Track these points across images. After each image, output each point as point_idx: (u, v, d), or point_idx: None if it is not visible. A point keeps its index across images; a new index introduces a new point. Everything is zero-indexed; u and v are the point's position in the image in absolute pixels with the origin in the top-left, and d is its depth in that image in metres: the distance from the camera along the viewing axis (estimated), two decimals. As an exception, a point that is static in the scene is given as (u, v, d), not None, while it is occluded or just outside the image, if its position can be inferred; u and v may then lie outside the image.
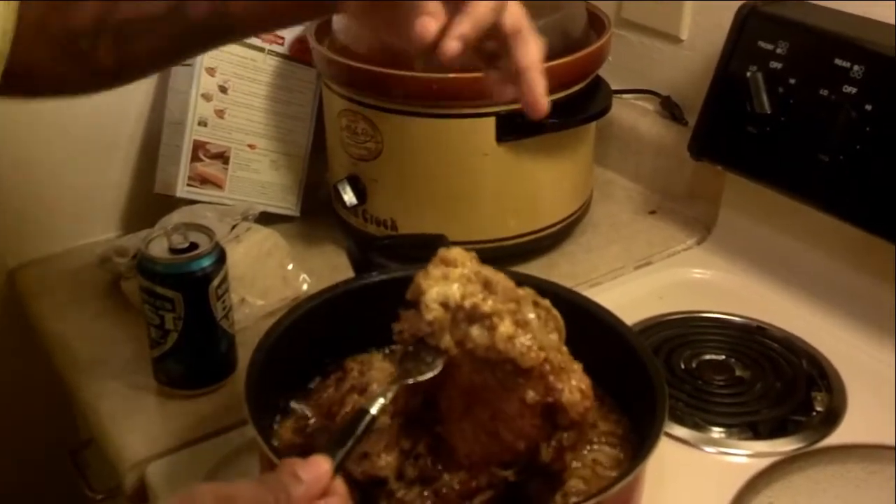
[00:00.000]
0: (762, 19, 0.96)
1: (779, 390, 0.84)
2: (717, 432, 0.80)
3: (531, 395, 0.59)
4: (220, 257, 0.80)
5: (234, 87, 1.05)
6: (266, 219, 1.03)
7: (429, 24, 0.57)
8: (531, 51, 0.61)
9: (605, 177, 1.18)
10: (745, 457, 0.77)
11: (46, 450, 1.12)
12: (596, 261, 1.03)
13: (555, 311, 0.62)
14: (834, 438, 0.79)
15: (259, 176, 1.08)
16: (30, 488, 1.17)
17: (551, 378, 0.59)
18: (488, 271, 0.61)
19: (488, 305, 0.58)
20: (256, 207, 1.03)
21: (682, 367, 0.86)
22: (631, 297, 0.94)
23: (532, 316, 0.59)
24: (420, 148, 0.96)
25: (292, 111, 1.09)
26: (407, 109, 0.94)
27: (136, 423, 0.81)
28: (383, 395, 0.57)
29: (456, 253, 0.60)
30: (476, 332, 0.58)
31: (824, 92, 0.90)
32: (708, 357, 0.88)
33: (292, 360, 0.71)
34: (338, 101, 0.99)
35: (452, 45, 0.57)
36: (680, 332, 0.90)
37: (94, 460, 0.96)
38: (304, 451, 0.66)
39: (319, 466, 0.50)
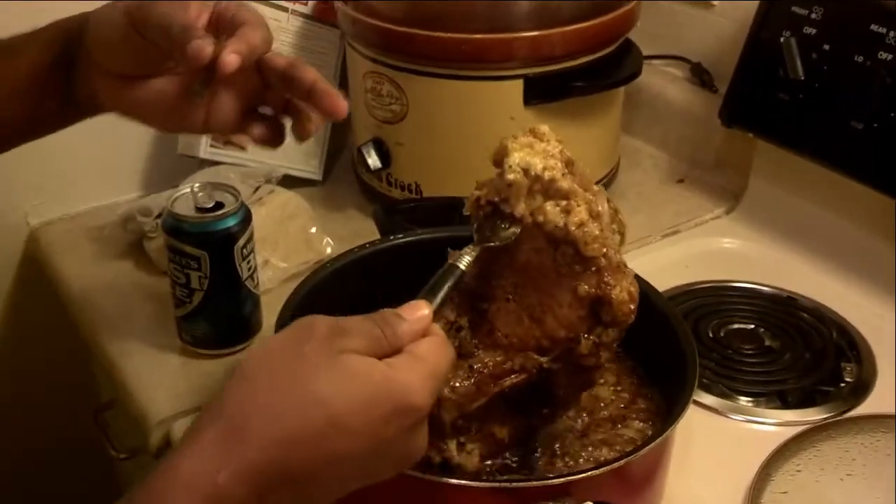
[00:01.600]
0: (797, -16, 0.94)
1: (808, 360, 0.83)
2: (745, 401, 0.79)
3: (584, 286, 0.60)
4: (246, 217, 0.80)
5: (258, 48, 1.04)
6: (289, 182, 1.03)
7: (204, 45, 0.60)
8: (310, 70, 0.65)
9: (632, 145, 1.17)
10: (773, 425, 0.77)
11: (68, 410, 1.12)
12: (622, 229, 1.02)
13: (621, 216, 0.64)
14: (863, 409, 0.78)
15: (282, 139, 1.08)
16: (52, 448, 1.18)
17: (607, 274, 0.60)
18: (572, 157, 0.62)
19: (566, 182, 0.59)
20: (279, 170, 1.02)
21: (710, 335, 0.85)
22: (658, 266, 0.93)
23: (604, 209, 0.61)
24: (446, 111, 0.95)
25: (316, 73, 1.08)
26: (433, 71, 0.93)
27: (160, 382, 0.81)
28: (468, 253, 0.58)
29: (546, 129, 0.61)
30: (550, 207, 0.59)
31: (859, 58, 0.88)
32: (736, 326, 0.87)
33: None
34: (362, 62, 0.98)
35: (230, 59, 0.60)
36: (707, 301, 0.90)
37: (116, 421, 0.96)
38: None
39: (420, 309, 0.53)
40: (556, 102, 0.94)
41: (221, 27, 0.64)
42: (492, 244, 0.60)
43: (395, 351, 0.51)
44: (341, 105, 0.65)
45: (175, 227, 0.78)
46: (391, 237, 0.76)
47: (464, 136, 0.96)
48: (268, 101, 0.68)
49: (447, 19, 0.92)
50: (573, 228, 0.59)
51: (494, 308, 0.62)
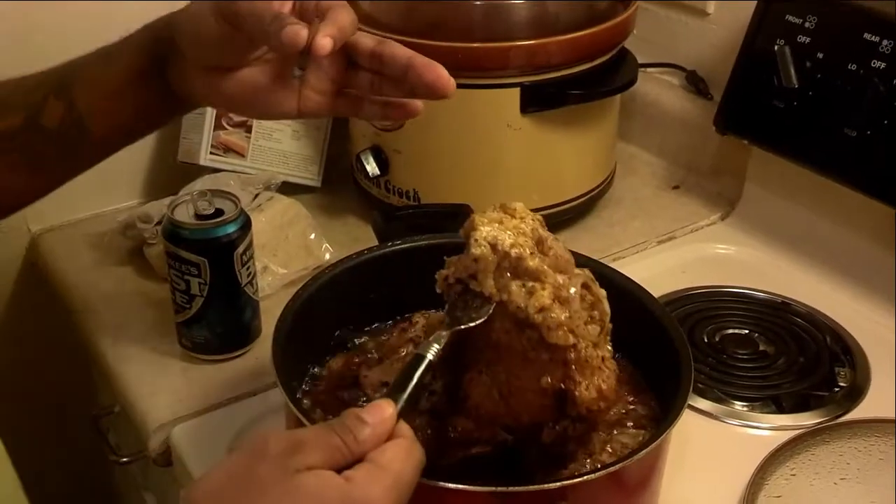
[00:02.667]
0: (790, -7, 0.95)
1: (802, 365, 0.84)
2: (740, 405, 0.80)
3: (547, 378, 0.58)
4: (245, 224, 0.80)
5: (257, 56, 1.05)
6: (288, 189, 1.03)
7: (299, 30, 0.60)
8: (402, 46, 0.65)
9: (628, 151, 1.17)
10: (768, 430, 0.77)
11: (67, 415, 1.13)
12: (618, 235, 1.03)
13: (605, 305, 0.61)
14: (857, 413, 0.79)
15: (281, 146, 1.08)
16: (52, 452, 1.18)
17: (574, 367, 0.58)
18: (547, 235, 0.61)
19: (534, 262, 0.58)
20: (278, 177, 1.03)
21: (706, 340, 0.86)
22: (653, 272, 0.94)
23: (575, 295, 0.59)
24: (443, 118, 0.96)
25: (315, 81, 1.09)
26: (431, 79, 0.94)
27: (160, 387, 0.82)
28: (437, 341, 0.57)
29: (519, 206, 0.61)
30: (515, 288, 0.58)
31: (852, 66, 0.89)
32: (731, 331, 0.88)
33: (318, 323, 0.71)
34: (362, 70, 0.99)
35: (325, 42, 0.60)
36: (703, 307, 0.90)
37: (115, 426, 0.96)
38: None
39: (384, 410, 0.51)
40: (552, 110, 0.95)
41: (305, 12, 0.64)
42: (462, 326, 0.58)
43: (358, 459, 0.49)
44: (444, 76, 0.64)
45: (175, 234, 0.79)
46: (389, 243, 0.77)
47: (461, 143, 0.97)
48: (354, 82, 0.68)
49: (445, 27, 0.93)
50: (533, 312, 0.57)
51: (468, 377, 0.62)
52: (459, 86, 0.93)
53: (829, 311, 0.90)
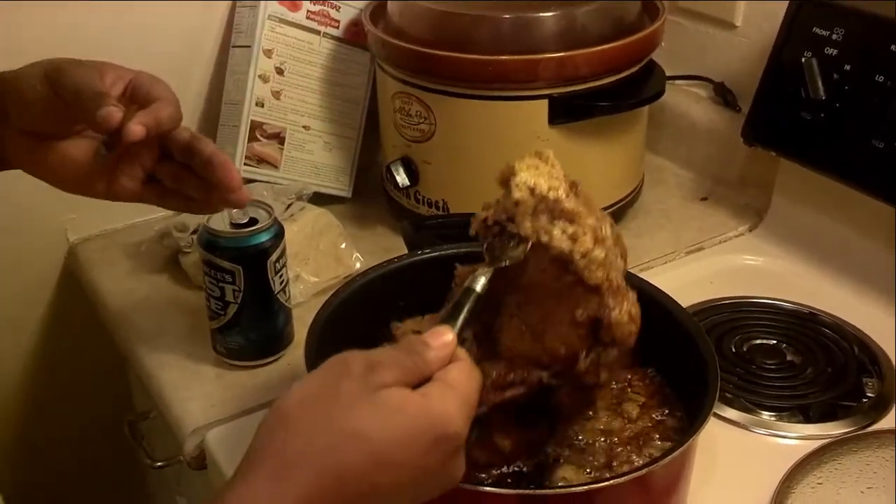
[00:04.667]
0: (817, 5, 0.96)
1: (830, 375, 0.84)
2: (767, 415, 0.80)
3: (582, 310, 0.61)
4: (279, 232, 0.82)
5: (290, 69, 1.07)
6: (319, 199, 1.05)
7: (114, 111, 0.63)
8: (211, 143, 0.69)
9: (656, 163, 1.18)
10: (795, 439, 0.77)
11: (104, 420, 1.15)
12: (646, 246, 1.04)
13: (623, 240, 0.65)
14: (884, 423, 0.79)
15: (313, 157, 1.10)
16: (88, 456, 1.21)
17: (608, 296, 0.61)
18: (576, 180, 0.63)
19: (571, 203, 0.60)
20: (310, 187, 1.05)
21: (733, 350, 0.86)
22: (681, 282, 0.94)
23: (609, 234, 0.62)
24: (473, 130, 0.97)
25: (346, 94, 1.11)
26: (461, 92, 0.95)
27: (195, 392, 0.84)
28: (483, 275, 0.59)
29: (550, 154, 0.63)
30: (557, 233, 0.60)
31: (880, 78, 0.89)
32: (759, 342, 0.88)
33: (347, 331, 0.72)
34: (392, 83, 1.01)
35: (136, 129, 0.64)
36: (730, 317, 0.91)
37: (150, 432, 0.98)
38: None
39: (444, 335, 0.55)
40: (580, 122, 0.96)
41: (135, 99, 0.67)
42: (503, 264, 0.61)
43: (426, 378, 0.53)
44: (235, 177, 0.68)
45: (210, 242, 0.80)
46: (419, 252, 0.78)
47: (490, 154, 0.98)
48: (161, 172, 0.71)
49: (474, 41, 0.94)
50: (578, 257, 0.60)
51: (499, 323, 0.64)
52: (489, 98, 0.97)
53: (857, 322, 0.90)
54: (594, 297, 0.61)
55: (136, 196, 0.72)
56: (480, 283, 0.59)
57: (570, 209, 0.60)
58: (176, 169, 0.70)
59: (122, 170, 0.70)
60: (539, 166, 0.62)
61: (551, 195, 0.60)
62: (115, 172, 0.70)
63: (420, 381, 0.52)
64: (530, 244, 0.60)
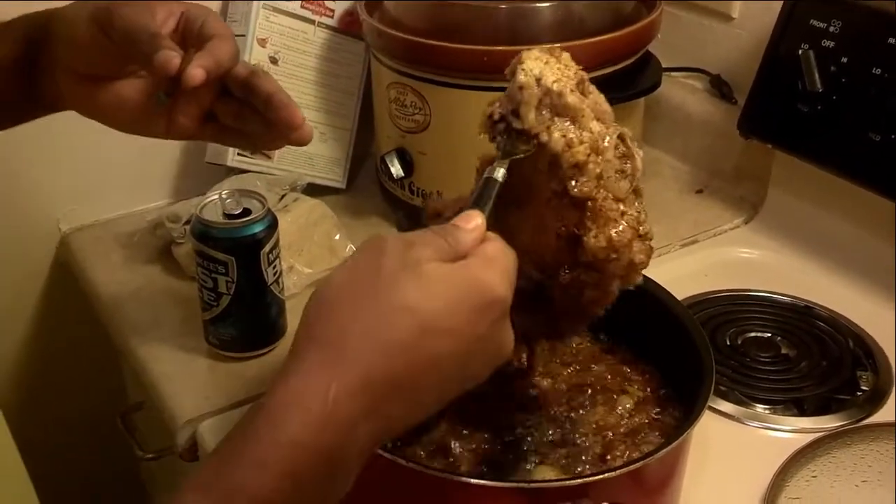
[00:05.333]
0: (815, -2, 0.95)
1: (824, 369, 0.84)
2: (762, 408, 0.80)
3: (558, 222, 0.60)
4: (272, 223, 0.82)
5: (284, 59, 1.06)
6: (313, 190, 1.05)
7: (172, 56, 0.61)
8: (271, 80, 0.66)
9: (652, 155, 1.18)
10: (789, 433, 0.77)
11: (96, 411, 1.15)
12: (641, 238, 1.03)
13: (638, 162, 0.61)
14: (878, 417, 0.79)
15: (307, 147, 1.09)
16: (80, 448, 1.20)
17: (589, 216, 0.59)
18: (589, 84, 0.61)
19: (574, 99, 0.59)
20: (304, 178, 1.04)
21: (728, 343, 0.86)
22: (676, 275, 0.93)
23: (609, 145, 0.60)
24: (468, 120, 0.95)
25: (341, 84, 1.10)
26: (456, 82, 0.95)
27: (188, 384, 0.83)
28: (501, 166, 0.59)
29: (566, 54, 0.61)
30: (557, 134, 0.58)
31: (877, 71, 0.89)
32: (753, 335, 0.88)
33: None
34: (387, 73, 1.00)
35: (196, 72, 0.61)
36: (725, 310, 0.91)
37: (143, 423, 0.98)
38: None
39: (474, 219, 0.55)
40: (576, 113, 0.95)
41: (188, 35, 0.65)
42: (517, 156, 0.59)
43: (461, 258, 0.52)
44: (297, 117, 0.65)
45: (203, 233, 0.80)
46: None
47: (485, 146, 0.97)
48: (221, 110, 0.68)
49: (470, 31, 0.94)
50: (566, 166, 0.58)
51: (500, 213, 0.61)
52: (485, 88, 0.96)
53: (852, 315, 0.90)
54: (575, 213, 0.59)
55: (194, 135, 0.69)
56: (500, 174, 0.58)
57: (573, 105, 0.58)
58: (235, 106, 0.68)
59: (180, 109, 0.67)
60: (549, 60, 0.60)
61: (555, 87, 0.58)
62: (174, 113, 0.67)
63: (456, 260, 0.52)
64: (536, 139, 0.59)
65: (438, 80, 0.95)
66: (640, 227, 0.61)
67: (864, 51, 0.90)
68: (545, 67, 0.59)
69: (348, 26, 1.09)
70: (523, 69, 0.59)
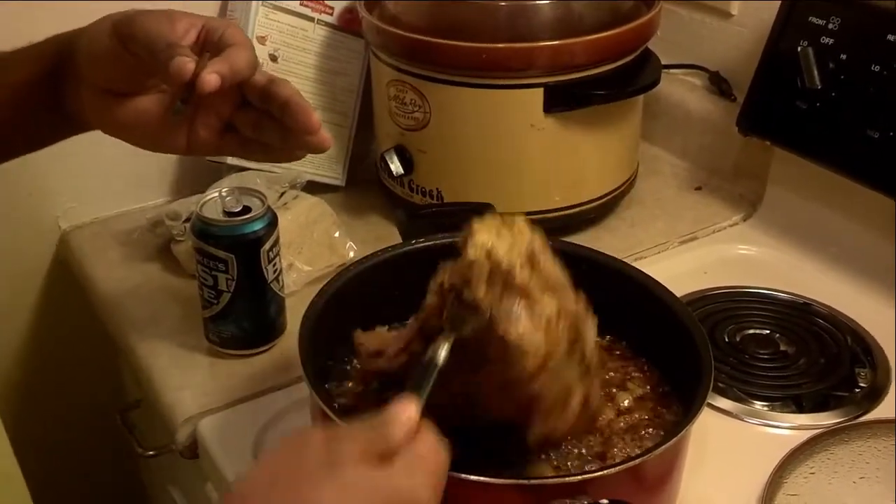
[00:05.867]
0: (814, -5, 0.95)
1: (823, 366, 0.84)
2: (760, 405, 0.80)
3: (508, 399, 0.60)
4: (272, 221, 0.82)
5: (284, 57, 1.06)
6: (313, 188, 1.05)
7: (186, 62, 0.60)
8: (290, 86, 0.65)
9: (651, 153, 1.18)
10: (787, 429, 0.78)
11: (95, 409, 1.15)
12: (640, 235, 1.04)
13: (588, 340, 0.61)
14: (876, 413, 0.79)
15: (307, 145, 1.10)
16: (79, 446, 1.20)
17: (534, 405, 0.59)
18: (542, 253, 0.61)
19: (522, 277, 0.58)
20: (304, 176, 1.04)
21: (726, 340, 0.86)
22: (675, 272, 0.93)
23: (552, 321, 0.59)
24: (468, 118, 0.97)
25: (340, 81, 1.10)
26: (456, 80, 0.95)
27: (187, 381, 0.83)
28: (443, 346, 0.58)
29: (520, 221, 0.61)
30: (505, 306, 0.58)
31: (876, 68, 0.89)
32: (752, 331, 0.88)
33: (341, 320, 0.72)
34: (386, 71, 1.00)
35: (211, 78, 0.61)
36: (724, 307, 0.91)
37: (142, 421, 0.98)
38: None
39: (409, 407, 0.52)
40: (575, 110, 0.96)
41: (209, 46, 0.64)
42: (464, 333, 0.58)
43: (392, 453, 0.50)
44: (313, 120, 0.64)
45: (204, 231, 0.80)
46: (413, 241, 0.78)
47: (485, 143, 0.98)
48: (240, 120, 0.68)
49: (469, 29, 0.94)
50: (515, 356, 0.58)
51: (458, 378, 0.61)
52: (484, 86, 0.97)
53: (850, 313, 0.90)
54: (524, 397, 0.59)
55: (215, 148, 0.69)
56: (442, 356, 0.57)
57: (521, 283, 0.58)
58: (255, 116, 0.67)
59: (199, 121, 0.67)
60: (501, 232, 0.59)
61: (504, 262, 0.58)
62: (193, 125, 0.67)
63: (384, 457, 0.50)
64: (487, 314, 0.58)
65: (438, 78, 0.95)
66: (588, 410, 0.62)
67: (863, 48, 0.90)
68: (497, 240, 0.59)
69: (348, 24, 1.09)
70: (473, 243, 0.58)
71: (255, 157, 0.71)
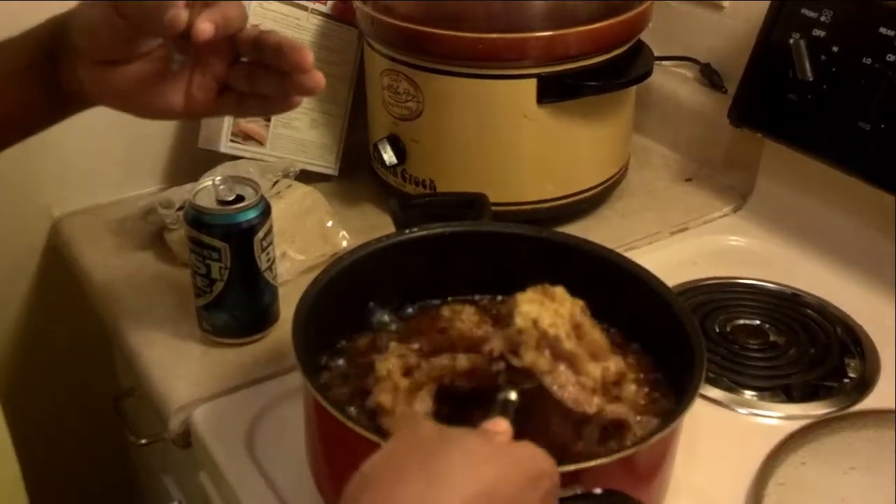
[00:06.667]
0: (806, -13, 0.96)
1: (812, 356, 0.85)
2: (750, 395, 0.81)
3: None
4: (266, 210, 0.82)
5: (277, 45, 1.06)
6: (305, 177, 1.05)
7: (180, 13, 0.61)
8: (279, 34, 0.66)
9: (642, 144, 1.18)
10: (777, 419, 0.78)
11: (88, 397, 1.15)
12: (632, 226, 1.04)
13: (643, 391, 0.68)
14: (866, 404, 0.79)
15: (300, 134, 1.10)
16: (72, 435, 1.20)
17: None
18: (585, 321, 0.64)
19: (570, 345, 0.62)
20: (297, 165, 1.04)
21: (717, 330, 0.87)
22: (665, 263, 0.93)
23: (599, 383, 0.63)
24: (461, 108, 0.97)
25: (334, 71, 1.10)
26: (449, 69, 0.95)
27: (180, 370, 0.83)
28: (513, 389, 0.61)
29: (560, 291, 0.64)
30: (556, 373, 0.62)
31: (867, 60, 0.90)
32: (742, 322, 0.88)
33: (335, 309, 0.72)
34: (380, 60, 1.00)
35: (205, 26, 0.61)
36: (714, 298, 0.91)
37: (135, 409, 0.98)
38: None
39: (501, 423, 0.55)
40: (568, 101, 0.96)
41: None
42: (524, 386, 0.62)
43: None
44: (307, 58, 0.65)
45: (197, 219, 0.80)
46: (406, 231, 0.78)
47: (478, 133, 0.98)
48: (234, 77, 0.69)
49: (463, 19, 0.94)
50: (569, 402, 0.62)
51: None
52: (478, 76, 0.97)
53: (840, 303, 0.90)
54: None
55: (213, 108, 0.70)
56: (514, 395, 0.61)
57: (569, 350, 0.61)
58: (248, 69, 0.68)
59: (196, 83, 0.68)
60: (544, 302, 0.63)
61: (551, 332, 0.61)
62: (190, 87, 0.68)
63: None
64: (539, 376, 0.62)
65: (432, 68, 0.95)
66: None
67: (854, 40, 0.91)
68: (541, 310, 0.62)
69: (342, 13, 1.09)
70: (520, 312, 0.61)
71: (252, 112, 0.72)
